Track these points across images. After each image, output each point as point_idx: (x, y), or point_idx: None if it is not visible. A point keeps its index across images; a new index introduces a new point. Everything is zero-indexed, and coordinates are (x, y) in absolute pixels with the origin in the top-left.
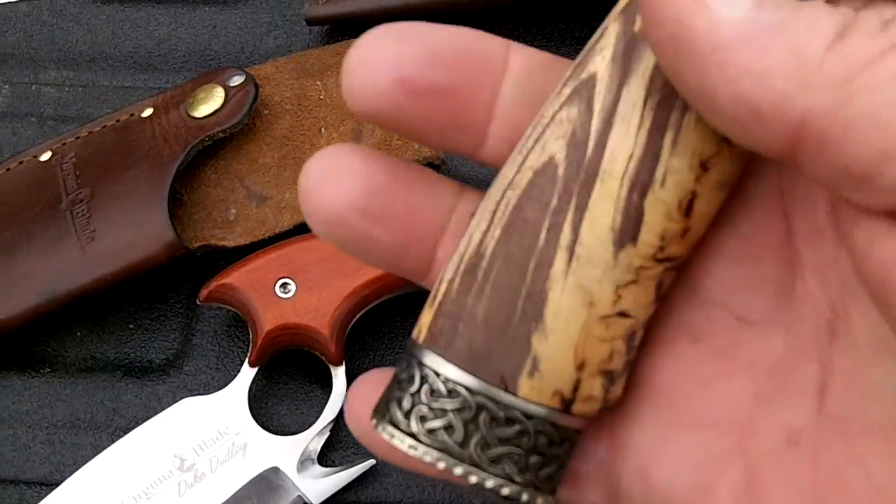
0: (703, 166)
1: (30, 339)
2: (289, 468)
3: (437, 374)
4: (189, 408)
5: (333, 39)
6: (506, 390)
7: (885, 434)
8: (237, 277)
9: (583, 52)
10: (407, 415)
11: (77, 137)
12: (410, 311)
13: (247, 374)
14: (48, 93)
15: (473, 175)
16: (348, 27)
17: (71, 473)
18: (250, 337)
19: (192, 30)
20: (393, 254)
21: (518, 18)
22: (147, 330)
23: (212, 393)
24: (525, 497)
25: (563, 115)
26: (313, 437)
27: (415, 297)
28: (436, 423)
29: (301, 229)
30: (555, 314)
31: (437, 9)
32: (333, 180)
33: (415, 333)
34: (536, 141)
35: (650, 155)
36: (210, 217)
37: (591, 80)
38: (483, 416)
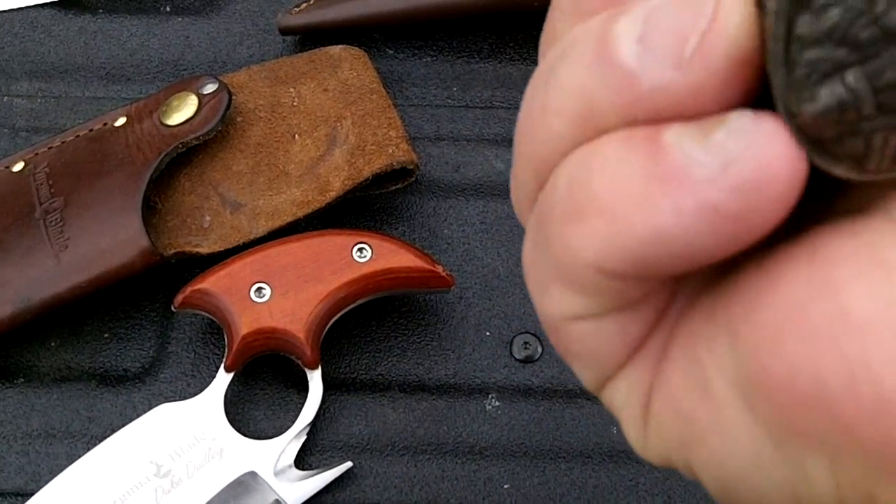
0: None
1: (3, 349)
2: (266, 472)
3: None
4: (165, 414)
5: (306, 48)
6: None
7: None
8: (212, 282)
9: None
10: None
11: (50, 147)
12: (386, 315)
13: (223, 379)
14: (20, 104)
15: (448, 180)
16: (321, 36)
17: (46, 483)
18: (226, 342)
19: (165, 40)
20: None
21: (487, 27)
22: (122, 338)
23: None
24: None
25: None
26: (290, 441)
27: (390, 301)
28: None
29: (276, 235)
30: None
31: (408, 19)
32: None
33: None
34: None
35: None
36: (185, 224)
37: None
38: None
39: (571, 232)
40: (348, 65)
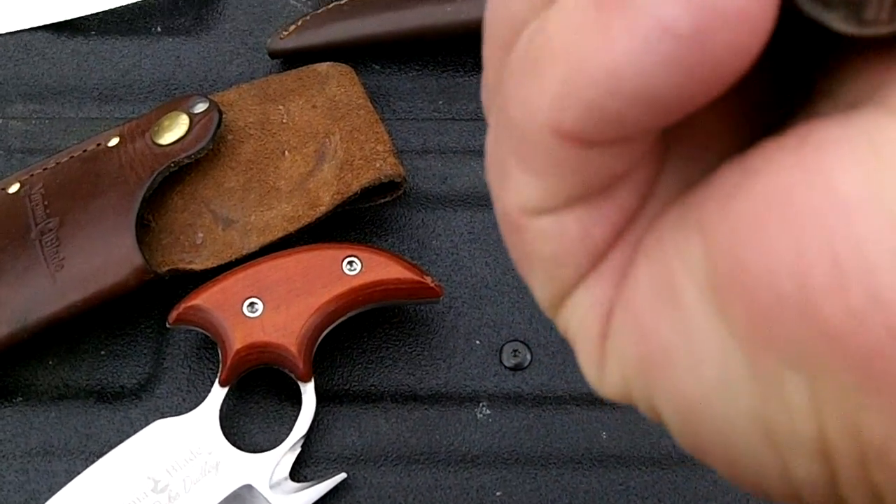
0: None
1: (2, 368)
2: (261, 485)
3: None
4: (161, 429)
5: (294, 66)
6: None
7: None
8: (205, 299)
9: None
10: None
11: (45, 168)
12: (377, 327)
13: (217, 393)
14: (16, 126)
15: (436, 192)
16: (309, 57)
17: (45, 500)
18: (220, 357)
19: (157, 60)
20: None
21: (471, 42)
22: (118, 355)
23: (184, 414)
24: None
25: None
26: (285, 454)
27: (381, 313)
28: None
29: (267, 250)
30: None
31: (392, 40)
32: None
33: None
34: None
35: None
36: (178, 241)
37: None
38: None
39: (527, 87)
40: (335, 81)
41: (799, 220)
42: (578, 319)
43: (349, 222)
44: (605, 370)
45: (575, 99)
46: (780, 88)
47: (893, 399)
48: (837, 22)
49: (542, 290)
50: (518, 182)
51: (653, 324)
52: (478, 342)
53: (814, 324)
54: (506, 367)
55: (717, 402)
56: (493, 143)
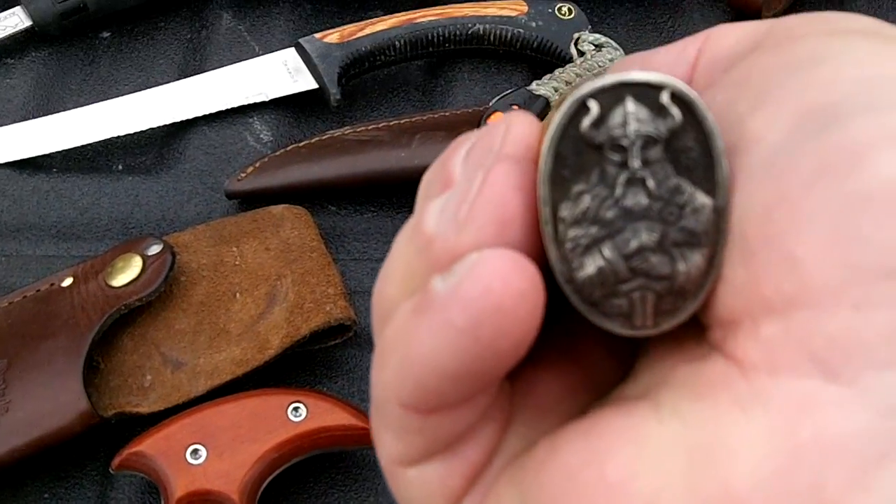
0: None
1: None
2: None
3: None
4: None
5: (252, 206)
6: None
7: None
8: (149, 445)
9: None
10: None
11: None
12: (323, 472)
13: None
14: None
15: None
16: (266, 198)
17: None
18: (162, 503)
19: (116, 199)
20: None
21: None
22: (62, 499)
23: None
24: None
25: None
26: None
27: (327, 458)
28: None
29: (215, 394)
30: None
31: (349, 183)
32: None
33: None
34: None
35: None
36: (126, 384)
37: None
38: None
39: (380, 369)
40: (290, 224)
41: (581, 495)
42: None
43: (298, 363)
44: None
45: (406, 379)
46: (612, 364)
47: None
48: (616, 327)
49: None
50: (385, 440)
51: None
52: None
53: None
54: None
55: None
56: (370, 409)
